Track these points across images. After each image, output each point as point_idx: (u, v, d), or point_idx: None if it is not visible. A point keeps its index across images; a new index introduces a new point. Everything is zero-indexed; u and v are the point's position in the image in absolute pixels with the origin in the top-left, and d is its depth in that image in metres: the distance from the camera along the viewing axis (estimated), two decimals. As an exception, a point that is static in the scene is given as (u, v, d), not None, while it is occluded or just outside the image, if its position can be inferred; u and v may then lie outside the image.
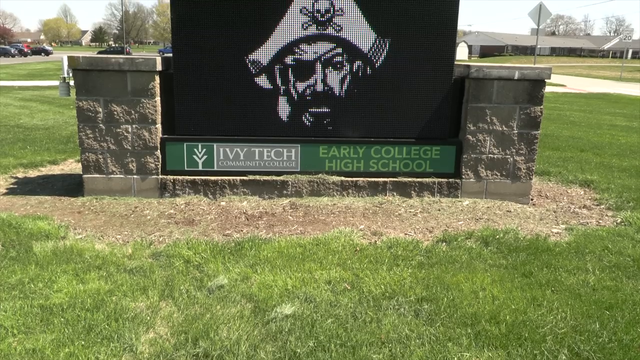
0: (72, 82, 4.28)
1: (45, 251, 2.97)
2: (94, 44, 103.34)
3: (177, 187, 4.14)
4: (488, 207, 4.11)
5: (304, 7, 3.98)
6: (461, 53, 69.16)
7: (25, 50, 55.92)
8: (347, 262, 2.95)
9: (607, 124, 10.25)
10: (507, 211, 4.05)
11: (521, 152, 4.22)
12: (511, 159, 4.23)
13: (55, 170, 5.29)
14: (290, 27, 4.00)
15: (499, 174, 4.26)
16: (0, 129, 7.87)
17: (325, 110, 4.15)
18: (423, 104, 4.18)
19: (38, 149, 6.25)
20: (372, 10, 4.03)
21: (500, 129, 4.16)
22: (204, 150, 4.14)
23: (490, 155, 4.21)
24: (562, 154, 6.68)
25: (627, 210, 4.05)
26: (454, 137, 4.32)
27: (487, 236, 3.35)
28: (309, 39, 4.04)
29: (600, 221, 3.89)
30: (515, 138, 4.19)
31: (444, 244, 3.29)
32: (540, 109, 4.16)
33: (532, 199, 4.41)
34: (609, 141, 7.92)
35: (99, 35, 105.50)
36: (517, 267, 2.93)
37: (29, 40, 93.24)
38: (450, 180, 4.27)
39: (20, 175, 4.98)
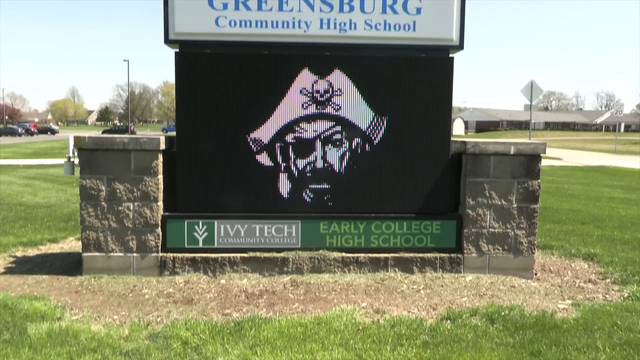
0: (77, 161, 4.37)
1: (40, 333, 2.89)
2: (99, 122, 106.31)
3: (176, 265, 4.10)
4: (491, 283, 4.05)
5: (304, 88, 4.15)
6: (458, 128, 70.90)
7: (32, 129, 57.42)
8: (350, 342, 2.86)
9: (606, 196, 10.31)
10: (512, 286, 3.98)
11: (522, 226, 4.22)
12: (512, 233, 4.22)
13: (55, 248, 5.25)
14: (291, 106, 4.15)
15: (500, 249, 4.23)
16: (2, 207, 7.90)
17: (326, 186, 4.20)
18: (422, 179, 4.24)
19: (39, 227, 6.25)
20: (369, 90, 4.19)
21: (500, 203, 4.19)
22: (205, 227, 4.14)
23: (491, 229, 4.21)
24: (564, 227, 6.67)
25: (634, 284, 3.98)
26: (454, 212, 4.33)
27: (493, 313, 3.27)
28: (309, 118, 4.17)
29: (607, 296, 3.81)
30: (515, 212, 4.21)
31: (449, 321, 3.21)
32: (538, 183, 4.21)
33: (535, 274, 4.35)
34: (609, 214, 7.93)
35: (104, 114, 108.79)
36: (525, 346, 2.84)
37: (36, 120, 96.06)
38: (452, 255, 4.24)
39: (19, 254, 4.94)
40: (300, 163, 4.16)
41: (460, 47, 4.28)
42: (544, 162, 4.39)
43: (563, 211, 8.06)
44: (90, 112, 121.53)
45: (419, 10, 4.17)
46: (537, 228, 4.30)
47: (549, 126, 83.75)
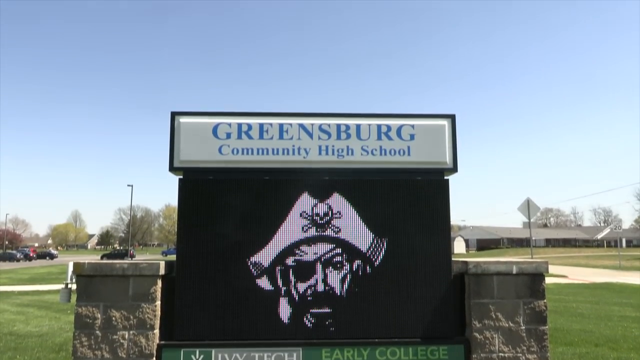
0: (74, 287, 4.31)
1: None
2: (99, 247, 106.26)
3: (170, 399, 3.84)
4: (507, 414, 3.77)
5: (304, 211, 4.23)
6: (459, 247, 70.80)
7: (31, 254, 57.23)
8: None
9: (617, 315, 9.98)
10: (529, 418, 3.71)
11: (532, 349, 4.04)
12: (523, 357, 4.03)
13: (42, 382, 4.98)
14: (291, 229, 4.20)
15: (513, 375, 4.01)
16: (-8, 337, 7.61)
17: (327, 310, 4.09)
18: (425, 302, 4.14)
19: (27, 359, 5.97)
20: (368, 213, 4.27)
21: (507, 325, 4.06)
22: (202, 356, 3.96)
23: (500, 354, 4.02)
24: (577, 350, 6.38)
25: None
26: (461, 335, 4.18)
27: None
28: (309, 241, 4.20)
29: None
30: (524, 334, 4.06)
31: None
32: (544, 302, 4.11)
33: (553, 403, 4.07)
34: (623, 334, 7.62)
35: (105, 238, 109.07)
36: None
37: (36, 244, 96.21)
38: (462, 382, 4.00)
39: (4, 389, 4.67)
40: (301, 287, 4.10)
41: (454, 169, 4.45)
42: (550, 280, 4.32)
43: (574, 332, 7.76)
44: (91, 236, 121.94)
45: (412, 137, 4.41)
46: (549, 351, 4.12)
47: (550, 243, 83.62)
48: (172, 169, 4.32)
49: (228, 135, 4.34)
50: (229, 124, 4.35)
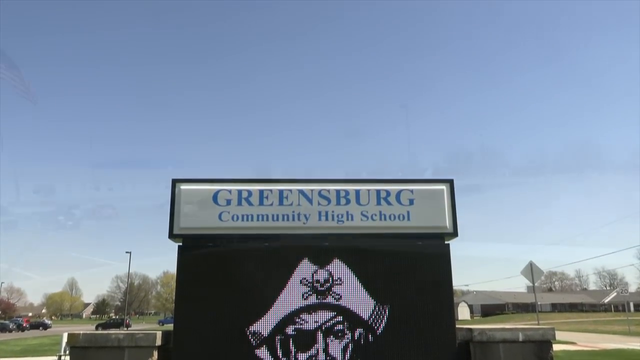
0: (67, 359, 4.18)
1: None
2: (94, 316, 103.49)
3: None
4: None
5: (304, 278, 4.17)
6: (463, 313, 68.96)
7: (24, 324, 55.68)
8: None
9: (631, 384, 9.57)
10: None
11: (545, 423, 3.86)
12: None
13: None
14: (291, 297, 4.12)
15: None
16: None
17: (328, 382, 3.95)
18: (430, 371, 4.00)
19: None
20: (368, 279, 4.21)
21: (516, 396, 3.90)
22: None
23: None
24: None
25: None
26: (468, 407, 4.00)
27: None
28: (310, 308, 4.11)
29: None
30: (535, 406, 3.89)
31: None
32: (554, 372, 3.97)
33: None
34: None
35: (101, 307, 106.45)
36: None
37: (30, 314, 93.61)
38: None
39: None
40: (302, 357, 3.98)
41: (454, 234, 4.44)
42: (558, 347, 4.19)
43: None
44: (86, 305, 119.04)
45: (411, 202, 4.43)
46: None
47: (556, 307, 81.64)
48: (172, 235, 4.30)
49: (228, 202, 4.36)
50: (229, 191, 4.39)
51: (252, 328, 4.03)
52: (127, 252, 49.54)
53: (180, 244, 4.33)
